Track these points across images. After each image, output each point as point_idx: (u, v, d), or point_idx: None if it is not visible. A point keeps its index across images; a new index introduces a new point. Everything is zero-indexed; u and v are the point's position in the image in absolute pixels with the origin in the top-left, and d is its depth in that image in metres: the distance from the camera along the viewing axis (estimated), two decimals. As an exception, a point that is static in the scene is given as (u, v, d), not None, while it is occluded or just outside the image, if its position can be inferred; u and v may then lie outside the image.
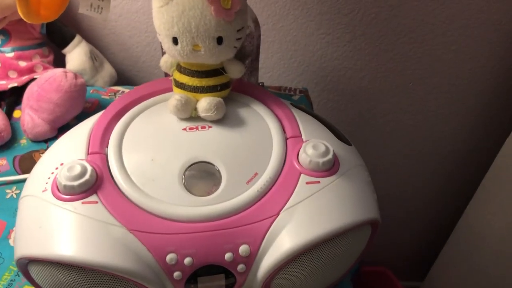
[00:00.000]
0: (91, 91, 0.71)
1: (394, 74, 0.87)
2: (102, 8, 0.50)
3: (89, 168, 0.41)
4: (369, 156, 1.05)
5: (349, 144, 0.49)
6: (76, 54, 0.73)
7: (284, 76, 0.87)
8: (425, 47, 0.83)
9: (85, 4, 0.49)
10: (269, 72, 0.86)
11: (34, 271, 0.41)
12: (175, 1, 0.42)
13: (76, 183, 0.40)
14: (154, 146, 0.45)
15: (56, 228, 0.40)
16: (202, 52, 0.44)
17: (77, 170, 0.41)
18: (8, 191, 0.58)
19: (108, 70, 0.77)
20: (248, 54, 0.57)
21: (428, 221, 1.22)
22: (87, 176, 0.41)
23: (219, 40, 0.43)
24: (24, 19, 0.48)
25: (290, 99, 0.71)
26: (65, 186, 0.40)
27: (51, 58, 0.73)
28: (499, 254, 0.94)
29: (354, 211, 0.43)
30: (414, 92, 0.90)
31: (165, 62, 0.48)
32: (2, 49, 0.68)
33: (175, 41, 0.44)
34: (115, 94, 0.70)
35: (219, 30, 0.43)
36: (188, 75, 0.47)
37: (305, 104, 0.71)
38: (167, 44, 0.44)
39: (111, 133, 0.46)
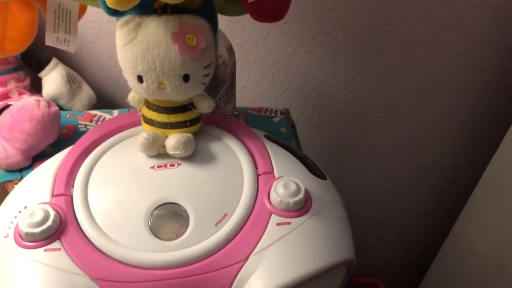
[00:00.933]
0: (67, 115, 0.69)
1: (378, 90, 0.86)
2: (69, 41, 0.49)
3: (52, 213, 0.40)
4: (355, 172, 1.04)
5: (324, 178, 0.48)
6: (53, 78, 0.72)
7: (267, 95, 0.86)
8: (409, 64, 0.82)
9: (52, 38, 0.48)
10: (251, 90, 0.85)
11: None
12: (138, 39, 0.41)
13: (37, 230, 0.39)
14: (120, 186, 0.44)
15: (17, 278, 0.38)
16: (168, 90, 0.42)
17: (39, 216, 0.39)
18: (-22, 225, 0.56)
19: (86, 93, 0.76)
20: (222, 83, 0.56)
21: (419, 233, 1.22)
22: (49, 222, 0.39)
23: (186, 78, 0.42)
24: (-12, 55, 0.46)
25: (271, 121, 0.70)
26: (26, 233, 0.39)
27: (27, 82, 0.72)
28: (489, 262, 0.93)
29: (327, 252, 0.42)
30: (399, 108, 0.89)
31: (133, 97, 0.47)
32: (-25, 75, 0.66)
33: (140, 79, 0.42)
34: (86, 126, 0.68)
35: (185, 68, 0.41)
36: (156, 111, 0.45)
37: (285, 126, 0.70)
38: (132, 82, 0.43)
39: (77, 172, 0.45)
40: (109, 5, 0.37)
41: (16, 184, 0.61)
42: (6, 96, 0.68)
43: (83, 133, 0.63)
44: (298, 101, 0.86)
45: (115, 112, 0.71)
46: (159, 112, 0.45)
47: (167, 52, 0.41)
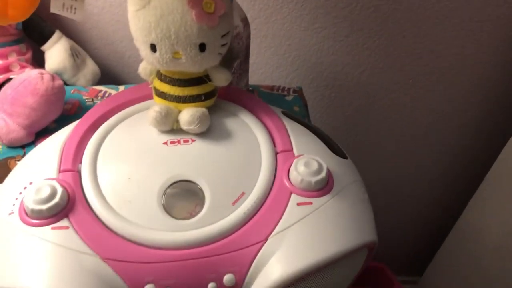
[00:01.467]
0: (71, 91, 0.67)
1: (393, 69, 0.83)
2: (75, 8, 0.46)
3: (60, 189, 0.38)
4: (366, 154, 1.02)
5: (345, 157, 0.46)
6: (56, 51, 0.69)
7: (278, 72, 0.83)
8: (426, 42, 0.79)
9: (57, 4, 0.45)
10: (262, 68, 0.82)
11: (1, 301, 0.38)
12: (152, 5, 0.38)
13: (44, 206, 0.37)
14: (131, 162, 0.42)
15: (23, 257, 0.37)
16: (183, 60, 0.40)
17: (46, 192, 0.37)
18: (-20, 202, 0.54)
19: (90, 68, 0.73)
20: (236, 56, 0.53)
21: (428, 218, 1.21)
22: (56, 199, 0.37)
23: (202, 47, 0.40)
24: (-11, 21, 0.43)
25: (283, 99, 0.68)
26: (32, 210, 0.37)
27: (29, 55, 0.69)
28: (496, 251, 0.93)
29: (350, 235, 0.40)
30: (413, 89, 0.87)
31: (144, 69, 0.45)
32: (-25, 46, 0.63)
33: (153, 48, 0.40)
34: (92, 100, 0.65)
35: (202, 37, 0.39)
36: (169, 84, 0.43)
37: (299, 104, 0.67)
38: (144, 51, 0.41)
39: (85, 147, 0.43)
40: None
41: (18, 161, 0.59)
42: (7, 69, 0.65)
43: (88, 108, 0.61)
44: (310, 80, 0.84)
45: (121, 88, 0.68)
46: (172, 85, 0.43)
47: (183, 18, 0.38)
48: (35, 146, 0.60)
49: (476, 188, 0.96)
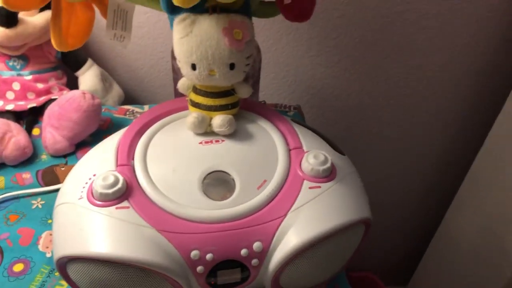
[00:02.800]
0: (103, 110, 0.77)
1: (378, 91, 0.95)
2: (124, 37, 0.56)
3: (121, 178, 0.47)
4: (357, 165, 1.11)
5: (343, 154, 0.56)
6: (88, 76, 0.79)
7: (278, 94, 0.94)
8: (406, 67, 0.91)
9: (110, 34, 0.56)
10: (263, 90, 0.93)
11: (72, 269, 0.46)
12: (194, 33, 0.49)
13: (110, 191, 0.45)
14: (174, 158, 0.51)
15: (95, 230, 0.45)
16: (217, 76, 0.50)
17: (111, 179, 0.46)
18: (33, 202, 0.63)
19: (117, 91, 0.83)
20: (250, 77, 0.64)
21: (411, 229, 1.29)
22: (119, 185, 0.46)
23: (232, 66, 0.50)
24: (57, 48, 0.54)
25: (286, 115, 0.78)
26: (100, 194, 0.46)
27: (64, 80, 0.79)
28: (474, 257, 1.00)
29: (350, 211, 0.49)
30: (396, 108, 0.98)
31: (182, 84, 0.55)
32: (22, 72, 0.73)
33: (193, 67, 0.50)
34: (132, 112, 0.76)
35: (232, 58, 0.49)
36: (203, 96, 0.53)
37: (299, 119, 0.78)
38: (186, 70, 0.51)
39: (135, 147, 0.52)
40: (176, 3, 0.45)
41: (62, 168, 0.68)
42: (48, 91, 0.75)
43: (118, 124, 0.71)
44: (305, 101, 0.95)
45: (146, 107, 0.78)
46: (206, 97, 0.53)
47: (218, 44, 0.49)
48: (75, 156, 0.69)
49: (453, 195, 1.05)
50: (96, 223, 0.45)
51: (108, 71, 0.85)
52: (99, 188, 0.46)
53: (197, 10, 0.50)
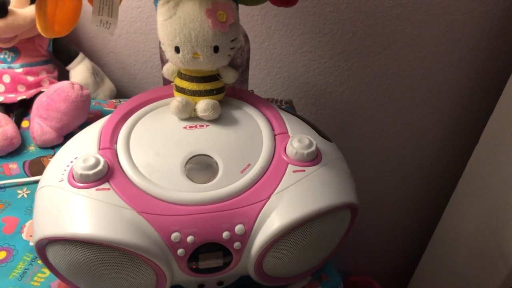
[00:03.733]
0: (93, 103, 0.77)
1: (370, 88, 0.95)
2: (110, 23, 0.56)
3: (102, 160, 0.47)
4: (349, 167, 1.11)
5: (330, 141, 0.56)
6: (80, 70, 0.79)
7: (271, 91, 0.94)
8: (398, 63, 0.91)
9: (96, 20, 0.55)
10: (256, 87, 0.93)
11: (52, 252, 0.46)
12: (177, 15, 0.49)
13: (90, 172, 0.45)
14: (158, 142, 0.51)
15: (74, 211, 0.44)
16: (201, 59, 0.50)
17: (92, 161, 0.46)
18: (19, 191, 0.63)
19: (108, 85, 0.83)
20: (239, 66, 0.64)
21: (408, 232, 1.28)
22: (100, 166, 0.46)
23: (216, 49, 0.50)
24: (42, 34, 0.53)
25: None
26: (81, 175, 0.45)
27: (56, 73, 0.79)
28: (471, 258, 1.00)
29: (334, 195, 0.49)
30: (389, 105, 0.98)
31: (167, 69, 0.55)
32: (12, 65, 0.74)
33: (177, 50, 0.50)
34: (119, 101, 0.76)
35: (216, 40, 0.49)
36: (188, 81, 0.53)
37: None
38: (170, 53, 0.51)
39: (119, 132, 0.52)
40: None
41: (50, 159, 0.68)
42: (38, 84, 0.75)
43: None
44: (299, 98, 0.95)
45: (136, 101, 0.78)
46: (190, 81, 0.53)
47: (202, 25, 0.49)
48: (63, 147, 0.69)
49: (450, 196, 1.05)
50: (76, 204, 0.45)
51: (101, 68, 0.85)
52: (79, 169, 0.46)
53: (181, -7, 0.50)
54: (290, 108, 0.78)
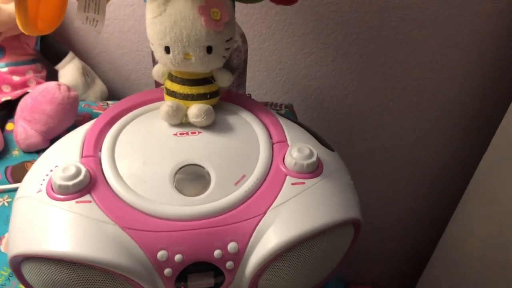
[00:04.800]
0: (82, 105, 0.73)
1: (375, 92, 0.91)
2: (97, 21, 0.52)
3: (83, 169, 0.43)
4: (352, 174, 1.07)
5: (332, 150, 0.52)
6: (69, 70, 0.76)
7: (271, 94, 0.90)
8: (404, 66, 0.87)
9: (81, 17, 0.51)
10: (255, 89, 0.89)
11: (27, 269, 0.42)
12: (167, 12, 0.45)
13: (70, 183, 0.41)
14: (145, 150, 0.47)
15: (51, 226, 0.41)
16: (193, 60, 0.46)
17: (72, 170, 0.42)
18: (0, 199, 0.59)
19: (99, 86, 0.79)
20: (235, 68, 0.60)
21: (411, 243, 1.25)
22: (81, 177, 0.42)
23: (209, 49, 0.46)
24: (23, 31, 0.49)
25: (277, 113, 0.74)
26: (59, 186, 0.42)
27: (44, 73, 0.75)
28: (478, 272, 0.96)
29: (336, 210, 0.45)
30: (394, 110, 0.94)
31: (157, 71, 0.51)
32: (-4, 64, 0.70)
33: (167, 50, 0.46)
34: (107, 105, 0.72)
35: (209, 40, 0.45)
36: (179, 83, 0.49)
37: (291, 118, 0.73)
38: (159, 53, 0.47)
39: (104, 138, 0.48)
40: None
41: (34, 164, 0.64)
42: (25, 84, 0.71)
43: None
44: (299, 102, 0.91)
45: (128, 103, 0.74)
46: (182, 84, 0.49)
47: (194, 24, 0.45)
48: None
49: (457, 203, 1.00)
50: (53, 218, 0.42)
51: (92, 68, 0.82)
52: (58, 180, 0.42)
53: (173, -12, 0.46)
54: (290, 113, 0.74)
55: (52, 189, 0.43)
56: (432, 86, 0.90)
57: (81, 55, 0.83)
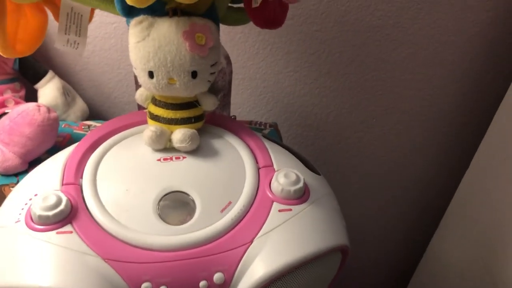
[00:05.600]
0: (63, 125, 0.71)
1: (358, 110, 0.91)
2: (78, 43, 0.51)
3: (64, 198, 0.41)
4: (335, 190, 1.07)
5: (318, 174, 0.51)
6: (49, 90, 0.74)
7: (254, 112, 0.89)
8: (387, 85, 0.88)
9: (62, 40, 0.50)
10: (239, 107, 0.89)
11: (4, 304, 0.40)
12: (151, 37, 0.44)
13: (51, 213, 0.40)
14: (128, 176, 0.46)
15: (30, 258, 0.39)
16: (177, 85, 0.45)
17: (52, 200, 0.41)
18: (-25, 225, 0.57)
19: (80, 106, 0.78)
20: (220, 89, 0.60)
21: (396, 255, 1.25)
22: (62, 206, 0.41)
23: (194, 74, 0.45)
24: (1, 54, 0.48)
25: (261, 132, 0.73)
26: (39, 216, 0.40)
27: (22, 93, 0.73)
28: (461, 278, 0.96)
29: (324, 237, 0.44)
30: (377, 127, 0.94)
31: (140, 95, 0.50)
32: (-27, 83, 0.68)
33: (151, 75, 0.45)
34: (88, 127, 0.70)
35: (194, 65, 0.45)
36: (163, 108, 0.48)
37: (275, 137, 0.73)
38: (143, 78, 0.46)
39: (85, 164, 0.47)
40: (129, 3, 0.41)
41: (12, 187, 0.62)
42: (2, 105, 0.69)
43: (78, 140, 0.65)
44: (284, 120, 0.90)
45: (109, 123, 0.72)
46: (166, 108, 0.48)
47: (178, 49, 0.44)
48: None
49: (439, 220, 1.01)
50: (31, 249, 0.40)
51: (72, 86, 0.80)
52: (38, 210, 0.41)
53: (156, 13, 0.45)
54: (274, 133, 0.74)
55: (31, 219, 0.41)
56: (413, 104, 0.91)
57: (61, 73, 0.81)
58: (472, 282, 0.93)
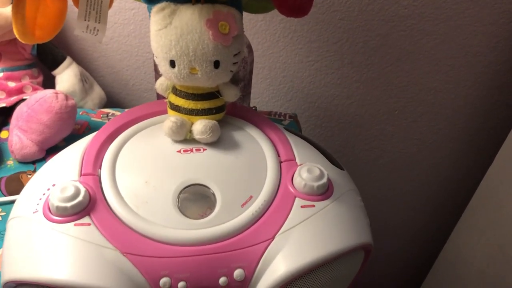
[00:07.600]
0: (80, 113, 0.71)
1: (380, 101, 0.89)
2: (98, 30, 0.50)
3: (83, 189, 0.41)
4: (355, 182, 1.06)
5: (342, 169, 0.50)
6: (66, 76, 0.73)
7: (273, 102, 0.88)
8: (411, 76, 0.85)
9: (82, 26, 0.49)
10: (258, 97, 0.87)
11: (20, 295, 0.40)
12: (173, 25, 0.43)
13: (69, 204, 0.39)
14: (148, 168, 0.45)
15: (47, 250, 0.39)
16: (199, 75, 0.44)
17: (70, 191, 0.40)
18: (-7, 213, 0.57)
19: (98, 93, 0.77)
20: (241, 79, 0.58)
21: (415, 248, 1.23)
22: (80, 198, 0.40)
23: (216, 64, 0.44)
24: (20, 40, 0.47)
25: (280, 124, 0.72)
26: (57, 207, 0.39)
27: (40, 79, 0.73)
28: (481, 279, 0.94)
29: (348, 235, 0.43)
30: (399, 120, 0.92)
31: (161, 84, 0.49)
32: (-9, 69, 0.67)
33: (172, 64, 0.44)
34: (107, 116, 0.69)
35: (216, 54, 0.43)
36: (183, 98, 0.47)
37: (294, 129, 0.71)
38: (164, 67, 0.45)
39: (104, 155, 0.46)
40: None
41: (30, 175, 0.62)
42: (20, 91, 0.69)
43: (96, 128, 0.64)
44: (303, 110, 0.89)
45: (127, 111, 0.72)
46: (187, 99, 0.47)
47: (201, 38, 0.42)
48: (45, 162, 0.62)
49: (459, 216, 0.99)
50: (50, 242, 0.39)
51: (90, 73, 0.79)
52: (56, 200, 0.40)
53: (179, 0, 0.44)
54: (294, 124, 0.72)
55: (49, 210, 0.40)
56: (438, 96, 0.89)
57: (79, 59, 0.81)
58: (492, 277, 0.91)
